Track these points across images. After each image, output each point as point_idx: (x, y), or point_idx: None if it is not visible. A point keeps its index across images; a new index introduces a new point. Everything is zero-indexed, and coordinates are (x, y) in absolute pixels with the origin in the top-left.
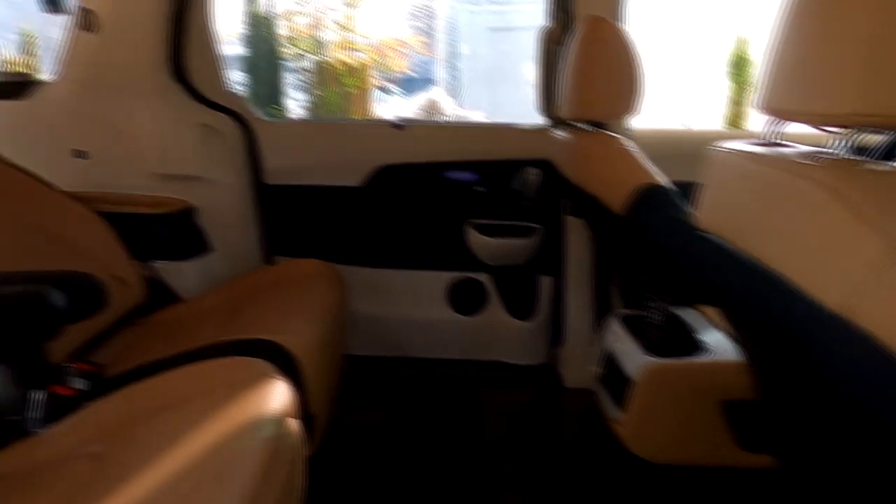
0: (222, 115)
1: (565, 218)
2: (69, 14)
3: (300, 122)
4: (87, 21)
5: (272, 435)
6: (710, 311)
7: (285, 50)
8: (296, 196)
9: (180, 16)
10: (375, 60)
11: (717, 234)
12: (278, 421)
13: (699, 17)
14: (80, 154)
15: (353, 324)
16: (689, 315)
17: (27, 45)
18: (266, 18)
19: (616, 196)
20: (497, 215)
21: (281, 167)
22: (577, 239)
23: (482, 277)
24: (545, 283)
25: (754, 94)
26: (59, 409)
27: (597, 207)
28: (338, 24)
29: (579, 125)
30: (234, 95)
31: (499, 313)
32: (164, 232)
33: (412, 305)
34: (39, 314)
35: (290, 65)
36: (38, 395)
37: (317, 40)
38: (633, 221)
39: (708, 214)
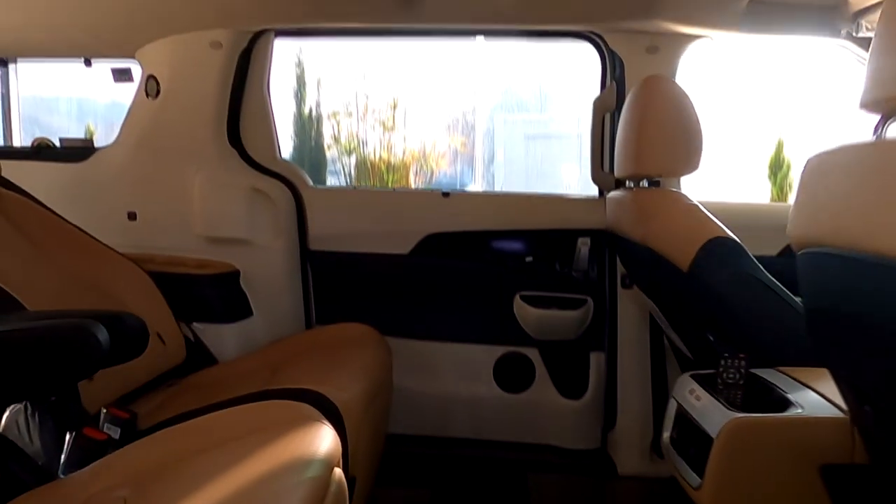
0: (273, 180)
1: (617, 290)
2: (136, 82)
3: (349, 190)
4: (151, 88)
5: (317, 476)
6: (796, 371)
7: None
8: (341, 263)
9: (240, 84)
10: (416, 159)
11: (821, 243)
12: (325, 462)
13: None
14: (131, 216)
15: (396, 399)
16: (770, 374)
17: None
18: (312, 119)
19: (682, 251)
20: (546, 287)
21: (328, 233)
22: (630, 312)
23: (530, 353)
24: (596, 359)
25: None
26: (89, 453)
27: (659, 265)
28: (382, 123)
29: (638, 184)
30: (285, 163)
31: (547, 391)
32: (206, 293)
33: (457, 381)
34: (83, 347)
35: (334, 164)
36: (70, 437)
37: (360, 139)
38: (700, 276)
39: (808, 225)
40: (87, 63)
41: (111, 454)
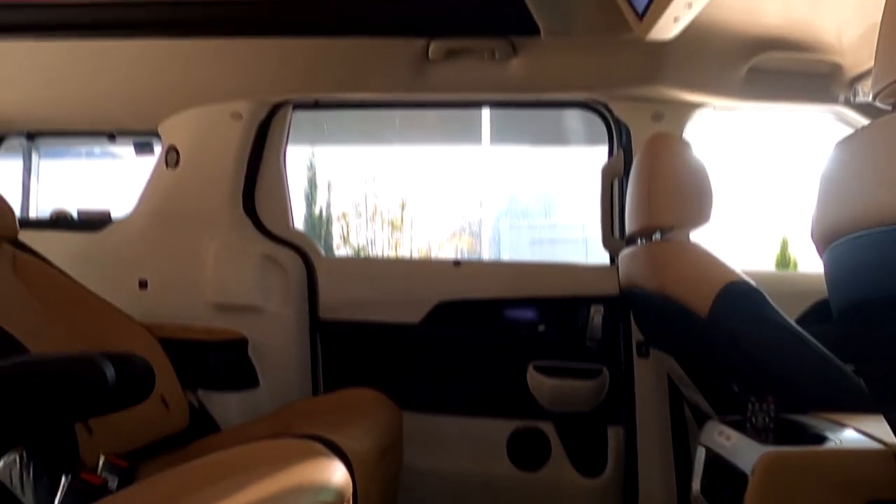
0: (286, 249)
1: (633, 359)
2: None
3: (361, 260)
4: (171, 158)
5: (331, 502)
6: (829, 414)
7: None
8: (351, 332)
9: (257, 154)
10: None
11: (850, 229)
12: (338, 491)
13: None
14: (142, 283)
15: (405, 478)
16: (801, 417)
17: None
18: (322, 219)
19: (699, 297)
20: (560, 356)
21: (338, 302)
22: (647, 382)
23: (545, 426)
24: (615, 434)
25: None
26: (85, 497)
27: (677, 314)
28: (390, 223)
29: (651, 238)
30: (298, 232)
31: (564, 469)
32: (213, 361)
33: (469, 457)
34: (89, 381)
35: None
36: (66, 480)
37: (368, 240)
38: (720, 321)
39: (836, 213)
40: (112, 138)
41: (108, 497)
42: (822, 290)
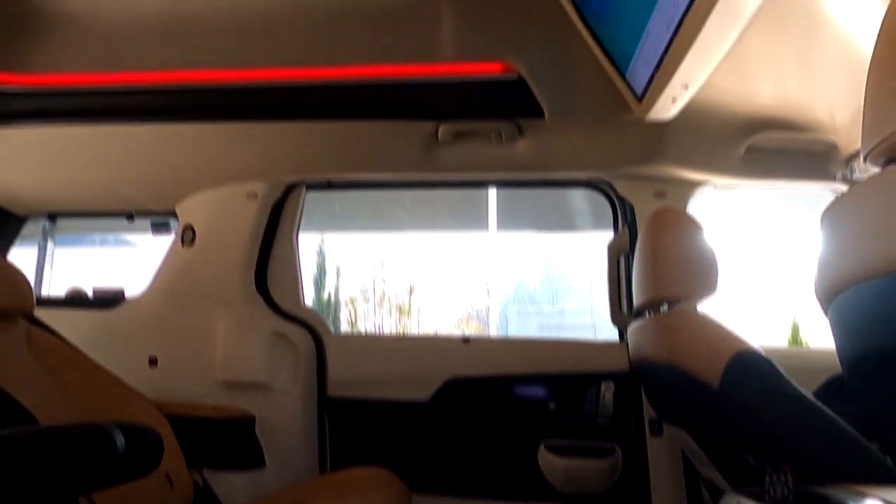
0: (296, 326)
1: (646, 437)
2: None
3: (369, 337)
4: (187, 237)
5: None
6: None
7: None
8: (359, 409)
9: (270, 233)
10: None
11: (852, 282)
12: None
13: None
14: (152, 361)
15: None
16: (821, 489)
17: None
18: (330, 304)
19: (709, 366)
20: (571, 434)
21: (347, 379)
22: (661, 462)
23: None
24: None
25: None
26: None
27: (688, 385)
28: (398, 308)
29: (658, 310)
30: (308, 309)
31: None
32: (219, 439)
33: None
34: (98, 450)
35: None
36: None
37: (376, 325)
38: (732, 391)
39: (838, 268)
40: (130, 218)
41: None
42: (836, 365)
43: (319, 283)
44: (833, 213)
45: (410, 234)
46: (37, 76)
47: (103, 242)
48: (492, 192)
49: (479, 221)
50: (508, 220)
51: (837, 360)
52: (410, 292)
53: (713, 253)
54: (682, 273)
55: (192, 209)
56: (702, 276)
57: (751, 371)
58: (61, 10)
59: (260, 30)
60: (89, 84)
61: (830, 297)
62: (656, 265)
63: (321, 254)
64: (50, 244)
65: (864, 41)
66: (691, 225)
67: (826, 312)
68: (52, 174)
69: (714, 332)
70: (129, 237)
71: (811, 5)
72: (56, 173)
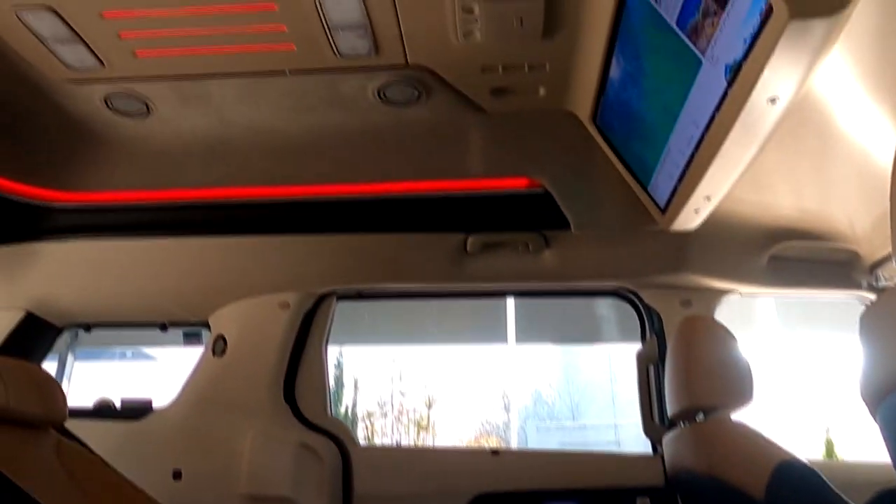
0: (323, 437)
1: None
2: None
3: (397, 449)
4: (218, 347)
5: None
6: None
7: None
8: None
9: (300, 343)
10: None
11: (893, 384)
12: None
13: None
14: (176, 474)
15: None
16: None
17: None
18: (348, 418)
19: (753, 477)
20: None
21: (374, 493)
22: None
23: None
24: None
25: None
26: None
27: (730, 497)
28: (416, 423)
29: (694, 419)
30: (336, 421)
31: None
32: None
33: None
34: None
35: None
36: None
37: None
38: (777, 503)
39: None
40: (164, 329)
41: None
42: (884, 480)
43: (337, 397)
44: (874, 315)
45: (428, 347)
46: (83, 194)
47: (122, 356)
48: (510, 305)
49: (497, 333)
50: (527, 332)
51: (884, 474)
52: (429, 406)
53: (747, 361)
54: (716, 381)
55: (224, 319)
56: (737, 384)
57: (796, 482)
58: (112, 133)
59: (296, 149)
60: (133, 201)
61: (878, 399)
62: (689, 374)
63: (339, 366)
64: (70, 357)
65: (877, 154)
66: (722, 333)
67: (874, 416)
68: (90, 286)
69: (755, 442)
70: (149, 351)
71: (824, 121)
72: (94, 285)
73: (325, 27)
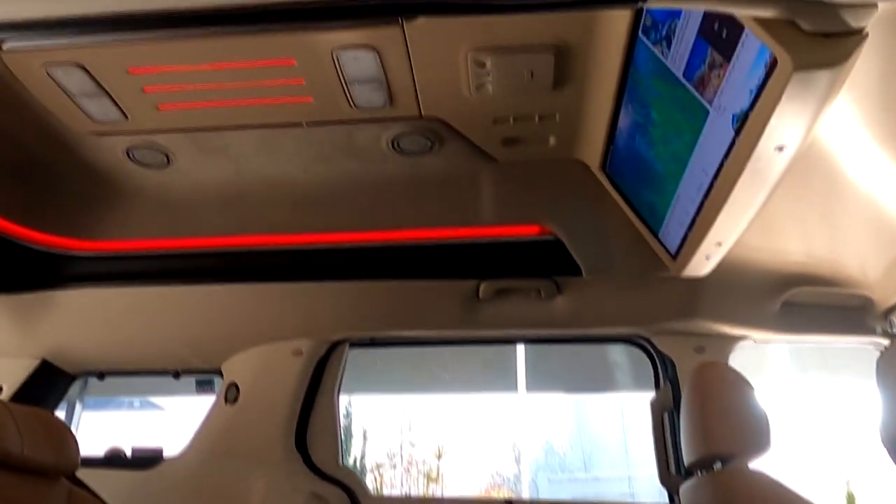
0: (333, 487)
1: None
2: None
3: (407, 499)
4: (230, 394)
5: None
6: None
7: None
8: None
9: (313, 390)
10: None
11: None
12: None
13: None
14: None
15: None
16: None
17: None
18: (357, 468)
19: None
20: None
21: None
22: None
23: None
24: None
25: None
26: None
27: None
28: (426, 475)
29: (711, 468)
30: (348, 471)
31: None
32: None
33: None
34: None
35: None
36: None
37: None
38: None
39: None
40: (176, 376)
41: None
42: None
43: (345, 448)
44: (890, 361)
45: (438, 397)
46: (102, 242)
47: (130, 406)
48: (520, 353)
49: (507, 382)
50: (538, 380)
51: None
52: (438, 457)
53: (762, 407)
54: (734, 428)
55: (237, 367)
56: (754, 431)
57: None
58: (132, 183)
59: (311, 199)
60: (149, 249)
61: None
62: (706, 421)
63: (348, 416)
64: (78, 406)
65: (887, 200)
66: (738, 379)
67: (895, 459)
68: (105, 334)
69: (776, 492)
70: (157, 400)
71: (832, 168)
72: (109, 333)
73: (342, 80)
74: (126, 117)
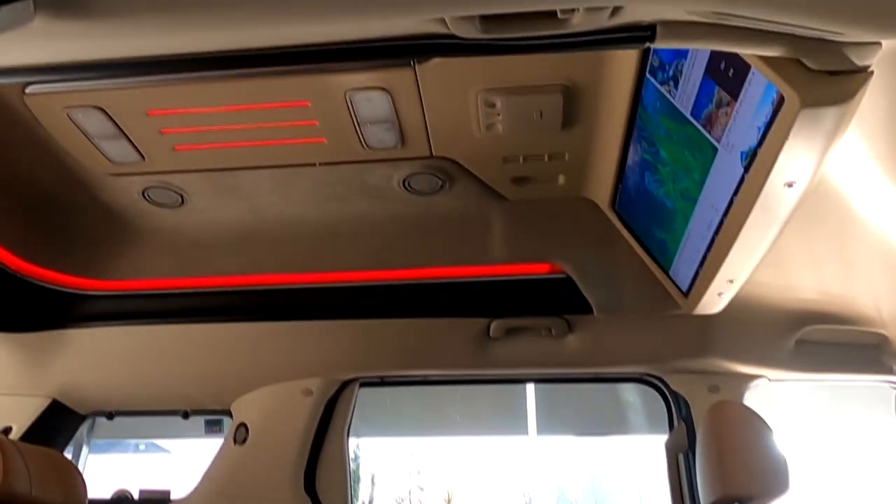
0: None
1: None
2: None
3: None
4: (240, 435)
5: None
6: None
7: None
8: None
9: (322, 430)
10: None
11: None
12: None
13: None
14: None
15: None
16: None
17: None
18: None
19: None
20: None
21: None
22: None
23: None
24: None
25: None
26: None
27: None
28: None
29: None
30: None
31: None
32: None
33: None
34: None
35: None
36: None
37: None
38: None
39: None
40: (186, 416)
41: None
42: None
43: (353, 492)
44: None
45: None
46: (114, 282)
47: (136, 449)
48: (530, 395)
49: (517, 425)
50: (548, 423)
51: None
52: (448, 501)
53: (779, 448)
54: (751, 469)
55: (247, 407)
56: (772, 472)
57: None
58: (147, 223)
59: (323, 238)
60: (161, 288)
61: None
62: (722, 462)
63: (356, 460)
64: (85, 448)
65: None
66: (754, 418)
67: None
68: (115, 373)
69: None
70: (163, 443)
71: (842, 204)
72: (119, 372)
73: (355, 121)
74: (143, 158)
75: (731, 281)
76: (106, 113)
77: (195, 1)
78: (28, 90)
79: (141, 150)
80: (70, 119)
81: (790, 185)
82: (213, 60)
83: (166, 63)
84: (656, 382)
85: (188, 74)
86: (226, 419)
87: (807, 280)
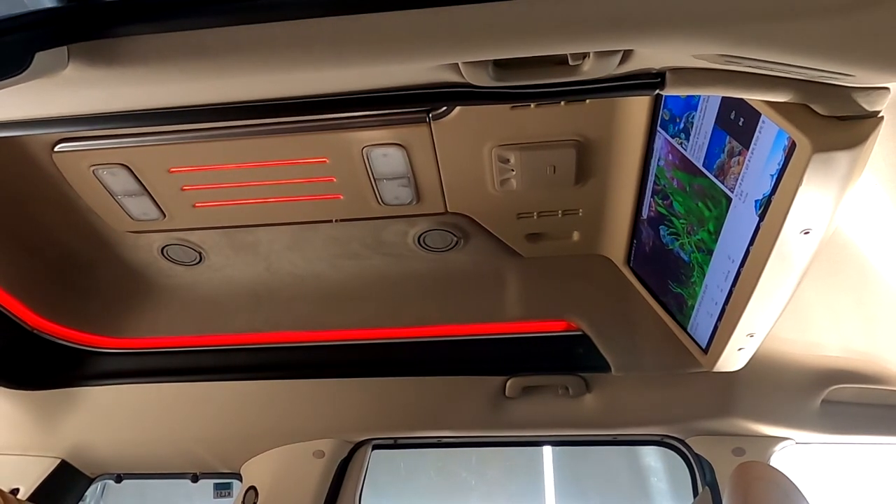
0: None
1: None
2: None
3: None
4: (249, 498)
5: None
6: None
7: None
8: None
9: (334, 493)
10: None
11: None
12: None
13: None
14: None
15: None
16: None
17: None
18: None
19: None
20: None
21: None
22: None
23: None
24: None
25: None
26: None
27: None
28: None
29: None
30: None
31: None
32: None
33: None
34: None
35: None
36: None
37: None
38: None
39: None
40: (194, 479)
41: None
42: None
43: None
44: None
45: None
46: (128, 340)
47: None
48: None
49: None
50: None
51: None
52: None
53: None
54: None
55: (257, 469)
56: None
57: None
58: (163, 281)
59: (338, 295)
60: (173, 346)
61: None
62: None
63: None
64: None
65: None
66: (783, 480)
67: None
68: (125, 432)
69: None
70: None
71: (861, 256)
72: (128, 432)
73: (371, 178)
74: (164, 215)
75: (752, 335)
76: (129, 170)
77: (221, 48)
78: (57, 149)
79: (162, 207)
80: (95, 177)
81: (806, 233)
82: (235, 110)
83: (189, 113)
84: (678, 445)
85: (210, 125)
86: (235, 482)
87: (829, 336)
